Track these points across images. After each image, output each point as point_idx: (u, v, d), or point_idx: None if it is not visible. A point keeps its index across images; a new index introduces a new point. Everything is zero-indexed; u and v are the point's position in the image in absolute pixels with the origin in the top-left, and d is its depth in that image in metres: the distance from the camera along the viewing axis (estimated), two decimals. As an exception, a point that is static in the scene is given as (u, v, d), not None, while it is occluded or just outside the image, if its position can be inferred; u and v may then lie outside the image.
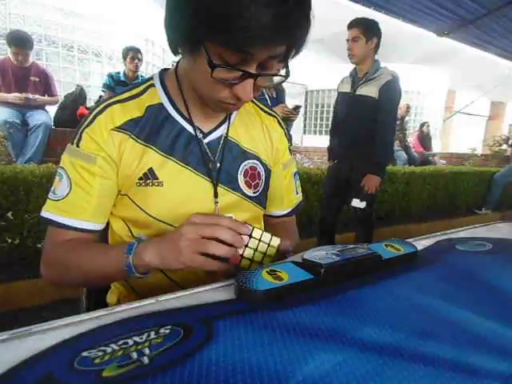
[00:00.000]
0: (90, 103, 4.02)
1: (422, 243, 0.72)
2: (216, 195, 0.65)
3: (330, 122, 2.53)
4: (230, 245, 0.51)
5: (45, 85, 3.12)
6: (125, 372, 0.30)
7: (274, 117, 0.76)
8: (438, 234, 0.80)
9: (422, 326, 0.39)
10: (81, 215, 0.60)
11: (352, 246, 0.59)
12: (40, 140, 2.83)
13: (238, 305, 0.43)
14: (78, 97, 3.56)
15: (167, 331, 0.36)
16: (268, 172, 0.74)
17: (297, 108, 2.65)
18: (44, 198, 0.62)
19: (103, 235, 0.69)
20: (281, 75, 0.53)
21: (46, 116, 3.06)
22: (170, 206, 0.62)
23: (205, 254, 0.50)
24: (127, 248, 0.54)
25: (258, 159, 0.71)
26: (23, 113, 2.92)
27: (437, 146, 8.79)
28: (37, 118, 2.90)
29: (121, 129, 0.60)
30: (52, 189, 0.62)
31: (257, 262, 0.54)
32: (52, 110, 3.38)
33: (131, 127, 0.61)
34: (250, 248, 0.54)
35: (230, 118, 0.69)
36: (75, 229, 0.60)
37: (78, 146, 0.60)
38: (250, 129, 0.72)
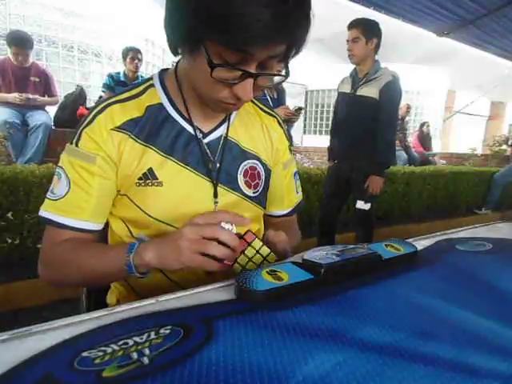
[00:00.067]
0: (90, 103, 4.02)
1: (421, 243, 0.72)
2: (216, 195, 0.65)
3: (330, 122, 2.53)
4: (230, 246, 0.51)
5: (45, 85, 3.12)
6: (125, 372, 0.30)
7: (274, 117, 0.76)
8: (438, 234, 0.80)
9: (422, 326, 0.39)
10: (79, 215, 0.60)
11: (352, 246, 0.59)
12: (40, 140, 2.83)
13: (238, 305, 0.43)
14: (78, 97, 3.56)
15: (167, 331, 0.36)
16: (268, 172, 0.74)
17: (299, 110, 2.66)
18: (44, 198, 0.62)
19: (103, 235, 0.69)
20: (281, 75, 0.53)
21: (46, 116, 3.06)
22: (170, 206, 0.62)
23: (204, 254, 0.50)
24: (128, 247, 0.54)
25: (258, 159, 0.71)
26: (23, 113, 2.92)
27: (437, 146, 8.79)
28: (37, 119, 2.90)
29: (120, 129, 0.60)
30: (50, 188, 0.61)
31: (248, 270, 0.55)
32: (52, 110, 3.38)
33: (131, 127, 0.61)
34: (246, 255, 0.54)
35: (229, 118, 0.69)
36: (74, 229, 0.60)
37: (77, 146, 0.59)
38: (249, 129, 0.72)
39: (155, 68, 6.83)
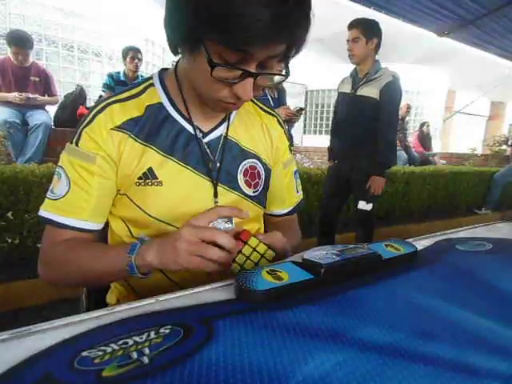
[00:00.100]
0: (90, 103, 4.02)
1: (421, 243, 0.72)
2: (216, 195, 0.65)
3: (330, 122, 2.54)
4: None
5: (45, 85, 3.12)
6: (125, 372, 0.30)
7: (274, 116, 0.76)
8: (438, 233, 0.80)
9: (422, 326, 0.39)
10: (79, 215, 0.60)
11: (352, 245, 0.59)
12: (40, 140, 2.83)
13: (238, 305, 0.43)
14: (78, 97, 3.56)
15: (167, 331, 0.36)
16: (268, 171, 0.74)
17: (300, 110, 2.68)
18: (44, 198, 0.62)
19: (102, 235, 0.68)
20: (280, 74, 0.53)
21: (46, 116, 3.06)
22: (170, 205, 0.62)
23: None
24: (130, 248, 0.54)
25: (258, 158, 0.71)
26: (23, 113, 2.92)
27: (437, 146, 8.79)
28: (37, 118, 2.90)
29: (120, 128, 0.60)
30: (50, 188, 0.61)
31: (247, 270, 0.55)
32: (52, 109, 3.38)
33: (131, 127, 0.61)
34: (243, 254, 0.54)
35: (229, 118, 0.69)
36: (74, 228, 0.60)
37: (77, 145, 0.59)
38: (249, 128, 0.72)
39: (155, 68, 6.83)
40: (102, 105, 0.61)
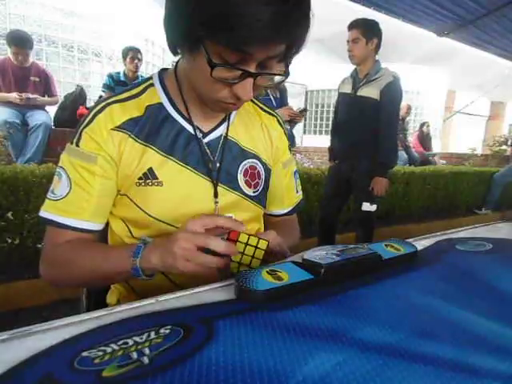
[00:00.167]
0: (90, 103, 4.02)
1: (421, 243, 0.72)
2: (216, 195, 0.65)
3: (330, 122, 2.55)
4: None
5: (45, 85, 3.12)
6: (125, 372, 0.30)
7: (274, 116, 0.77)
8: (438, 234, 0.80)
9: (422, 326, 0.39)
10: (80, 215, 0.60)
11: (352, 245, 0.59)
12: (40, 140, 2.83)
13: (238, 305, 0.43)
14: (78, 97, 3.56)
15: (167, 331, 0.36)
16: (268, 171, 0.74)
17: (303, 111, 2.70)
18: (44, 198, 0.62)
19: (102, 235, 0.68)
20: (280, 74, 0.53)
21: (46, 116, 3.06)
22: (170, 205, 0.62)
23: None
24: (134, 251, 0.53)
25: (258, 158, 0.71)
26: (23, 113, 2.92)
27: (437, 146, 8.79)
28: (37, 118, 2.90)
29: (120, 128, 0.60)
30: (51, 189, 0.61)
31: (245, 264, 0.54)
32: (52, 110, 3.38)
33: (131, 127, 0.61)
34: (238, 251, 0.54)
35: (229, 118, 0.69)
36: (75, 229, 0.60)
37: (77, 146, 0.59)
38: (249, 128, 0.72)
39: (155, 68, 6.83)
40: (101, 105, 0.61)
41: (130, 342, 0.34)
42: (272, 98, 2.64)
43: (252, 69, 0.49)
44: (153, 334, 0.35)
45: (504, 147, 7.64)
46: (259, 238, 0.55)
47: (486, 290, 0.50)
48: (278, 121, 0.77)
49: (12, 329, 0.36)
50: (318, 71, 10.16)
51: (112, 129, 0.60)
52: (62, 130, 3.18)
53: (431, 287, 0.51)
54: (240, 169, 0.68)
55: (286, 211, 0.81)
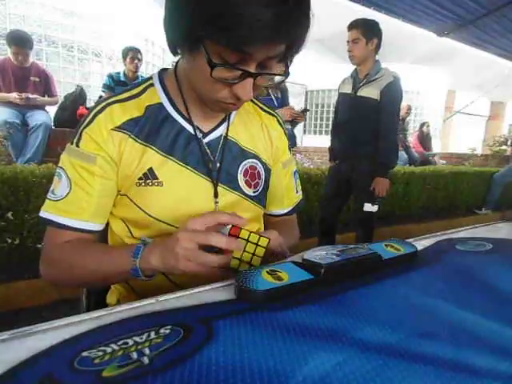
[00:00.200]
0: (90, 103, 4.02)
1: (421, 243, 0.72)
2: (216, 195, 0.65)
3: (330, 122, 2.56)
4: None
5: (45, 85, 3.12)
6: (125, 372, 0.30)
7: (274, 116, 0.77)
8: (438, 234, 0.80)
9: (422, 326, 0.39)
10: (80, 215, 0.60)
11: (352, 246, 0.59)
12: (40, 140, 2.83)
13: (238, 305, 0.43)
14: (78, 97, 3.56)
15: (167, 331, 0.36)
16: (268, 171, 0.74)
17: (305, 111, 2.72)
18: (44, 198, 0.62)
19: (102, 235, 0.68)
20: (280, 74, 0.53)
21: (46, 116, 3.06)
22: (170, 205, 0.62)
23: None
24: (134, 252, 0.53)
25: (258, 158, 0.71)
26: (23, 113, 2.92)
27: (437, 146, 8.80)
28: (37, 118, 2.90)
29: (120, 128, 0.60)
30: (51, 189, 0.61)
31: (246, 261, 0.54)
32: (52, 110, 3.38)
33: (131, 127, 0.61)
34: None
35: (229, 118, 0.69)
36: (75, 229, 0.60)
37: (77, 146, 0.59)
38: (249, 128, 0.72)
39: (155, 68, 6.83)
40: (101, 105, 0.61)
41: (130, 342, 0.34)
42: (273, 98, 2.66)
43: (252, 69, 0.49)
44: (153, 334, 0.35)
45: (504, 147, 7.65)
46: (260, 236, 0.55)
47: (485, 290, 0.50)
48: (278, 121, 0.77)
49: (12, 329, 0.36)
50: (318, 71, 10.17)
51: (112, 129, 0.59)
52: (62, 130, 3.18)
53: (431, 287, 0.51)
54: (240, 169, 0.68)
55: (285, 211, 0.81)
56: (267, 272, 0.47)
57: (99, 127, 0.59)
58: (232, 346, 0.34)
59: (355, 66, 2.19)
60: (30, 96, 2.91)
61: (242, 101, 0.55)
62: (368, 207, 2.16)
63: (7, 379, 0.29)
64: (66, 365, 0.31)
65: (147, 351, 0.33)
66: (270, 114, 0.76)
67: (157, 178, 0.61)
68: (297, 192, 0.82)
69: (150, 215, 0.62)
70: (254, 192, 0.70)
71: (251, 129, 0.72)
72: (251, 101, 0.74)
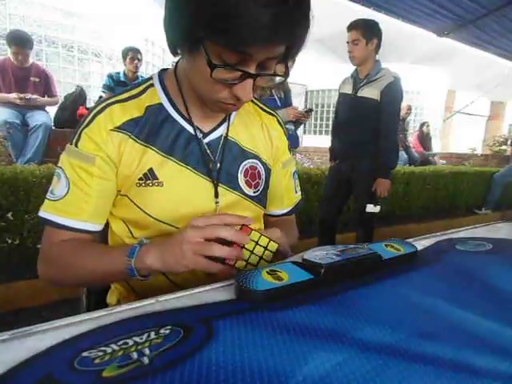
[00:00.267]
0: (90, 104, 4.03)
1: (421, 243, 0.72)
2: (216, 195, 0.65)
3: (330, 122, 2.56)
4: (231, 243, 0.51)
5: (45, 85, 3.12)
6: (125, 372, 0.30)
7: (274, 116, 0.77)
8: (438, 234, 0.80)
9: (422, 326, 0.39)
10: (79, 216, 0.60)
11: (352, 246, 0.59)
12: (40, 140, 2.83)
13: (238, 305, 0.43)
14: (78, 97, 3.56)
15: (167, 331, 0.36)
16: (268, 171, 0.74)
17: (309, 111, 2.73)
18: (44, 198, 0.62)
19: (102, 236, 0.68)
20: (280, 75, 0.53)
21: (46, 116, 3.06)
22: (171, 206, 0.62)
23: (207, 256, 0.50)
24: (129, 251, 0.54)
25: (258, 158, 0.71)
26: (23, 113, 2.92)
27: (437, 146, 8.79)
28: (37, 119, 2.91)
29: (120, 129, 0.60)
30: (50, 189, 0.61)
31: (252, 264, 0.54)
32: (52, 110, 3.38)
33: (131, 127, 0.61)
34: (247, 249, 0.54)
35: (229, 118, 0.69)
36: (73, 229, 0.60)
37: (76, 146, 0.59)
38: (249, 128, 0.72)
39: (155, 68, 6.83)
40: (101, 105, 0.61)
41: (130, 342, 0.34)
42: (277, 98, 2.66)
43: (252, 69, 0.49)
44: (153, 334, 0.35)
45: (504, 147, 7.65)
46: (270, 240, 0.55)
47: (485, 290, 0.50)
48: (278, 121, 0.77)
49: (12, 329, 0.36)
50: (318, 71, 10.17)
51: (112, 129, 0.59)
52: (62, 130, 3.18)
53: (431, 287, 0.51)
54: (240, 169, 0.68)
55: (285, 211, 0.81)
56: (267, 272, 0.47)
57: (99, 128, 0.59)
58: (232, 346, 0.34)
59: (355, 66, 2.19)
60: (30, 96, 2.91)
61: (242, 101, 0.55)
62: (370, 208, 2.16)
63: (7, 379, 0.29)
64: (66, 365, 0.31)
65: (147, 351, 0.33)
66: (270, 113, 0.76)
67: (157, 179, 0.61)
68: (296, 192, 0.82)
69: (150, 215, 0.62)
70: (255, 192, 0.70)
71: (251, 129, 0.72)
72: (251, 101, 0.74)
